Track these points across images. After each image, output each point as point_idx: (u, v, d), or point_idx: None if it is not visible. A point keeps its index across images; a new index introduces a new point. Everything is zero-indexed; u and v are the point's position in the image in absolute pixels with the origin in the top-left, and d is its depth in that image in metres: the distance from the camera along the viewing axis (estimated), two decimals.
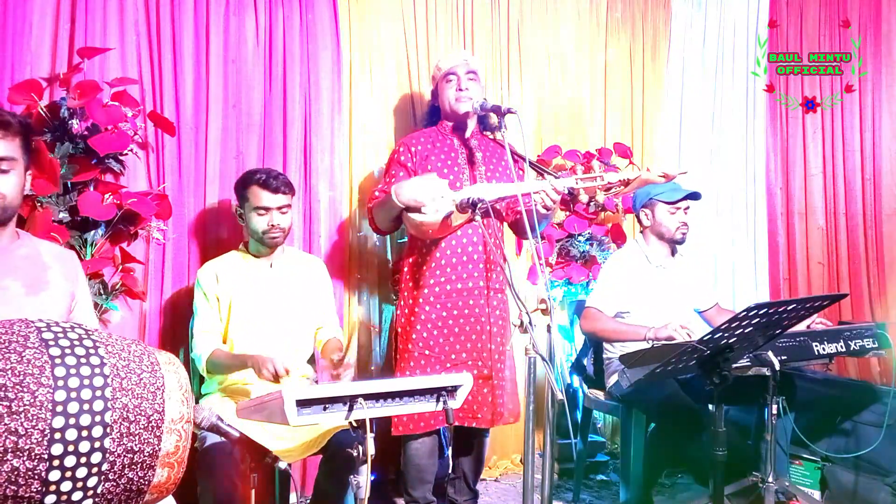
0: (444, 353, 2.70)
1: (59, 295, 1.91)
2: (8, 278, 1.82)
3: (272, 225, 2.56)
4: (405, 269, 2.82)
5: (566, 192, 2.59)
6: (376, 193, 2.78)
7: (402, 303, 2.82)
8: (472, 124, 2.81)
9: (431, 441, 2.76)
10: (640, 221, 3.19)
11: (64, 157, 2.52)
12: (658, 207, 3.09)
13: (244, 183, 2.60)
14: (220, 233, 3.00)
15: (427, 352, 2.70)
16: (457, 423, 2.72)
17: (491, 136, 2.88)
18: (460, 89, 2.75)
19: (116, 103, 2.60)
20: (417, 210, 2.52)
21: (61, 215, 2.52)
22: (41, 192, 2.41)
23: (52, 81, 2.63)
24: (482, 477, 3.45)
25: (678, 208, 3.08)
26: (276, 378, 2.25)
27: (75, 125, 2.52)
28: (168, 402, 1.29)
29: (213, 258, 2.69)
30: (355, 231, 3.30)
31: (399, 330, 2.81)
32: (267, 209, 2.55)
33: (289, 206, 2.60)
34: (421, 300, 2.73)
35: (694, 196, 3.12)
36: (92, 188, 2.57)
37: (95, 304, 2.53)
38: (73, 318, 1.97)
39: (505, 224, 2.93)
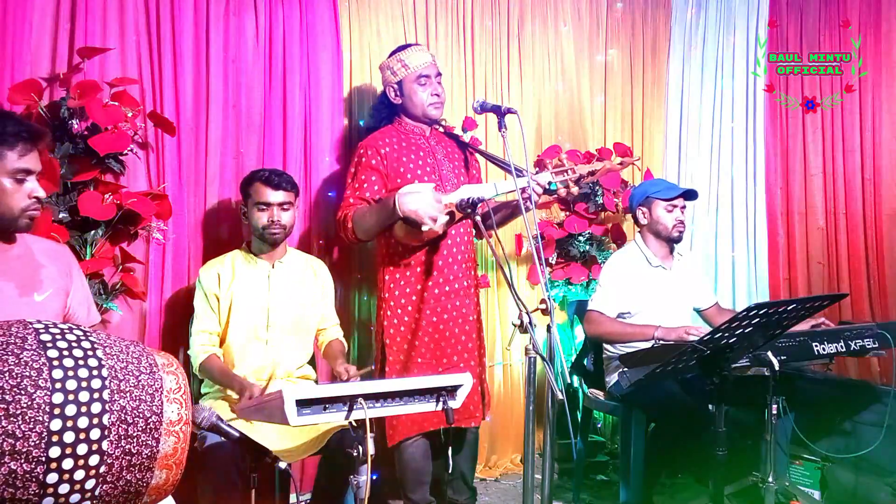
0: (435, 357, 2.70)
1: (53, 294, 1.90)
2: (0, 280, 1.81)
3: (272, 220, 2.56)
4: (386, 277, 2.74)
5: (548, 186, 2.61)
6: (351, 201, 2.69)
7: (388, 312, 2.72)
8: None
9: (425, 442, 2.76)
10: (636, 221, 3.19)
11: (64, 157, 2.51)
12: (655, 205, 3.09)
13: (249, 180, 2.63)
14: (220, 233, 3.00)
15: (420, 360, 2.68)
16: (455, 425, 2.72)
17: (441, 130, 2.91)
18: (436, 94, 2.76)
19: (116, 103, 2.60)
20: (419, 222, 2.50)
21: (61, 215, 2.52)
22: None
23: (52, 81, 2.63)
24: (482, 477, 3.46)
25: (675, 206, 3.08)
26: None
27: (75, 125, 2.52)
28: (166, 404, 1.29)
29: (215, 257, 2.69)
30: None
31: (388, 341, 2.72)
32: (268, 205, 2.56)
33: (291, 203, 2.60)
34: (410, 308, 2.70)
35: (690, 193, 3.12)
36: (92, 188, 2.57)
37: (95, 305, 2.53)
38: (69, 313, 1.97)
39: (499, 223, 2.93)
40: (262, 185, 2.57)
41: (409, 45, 2.85)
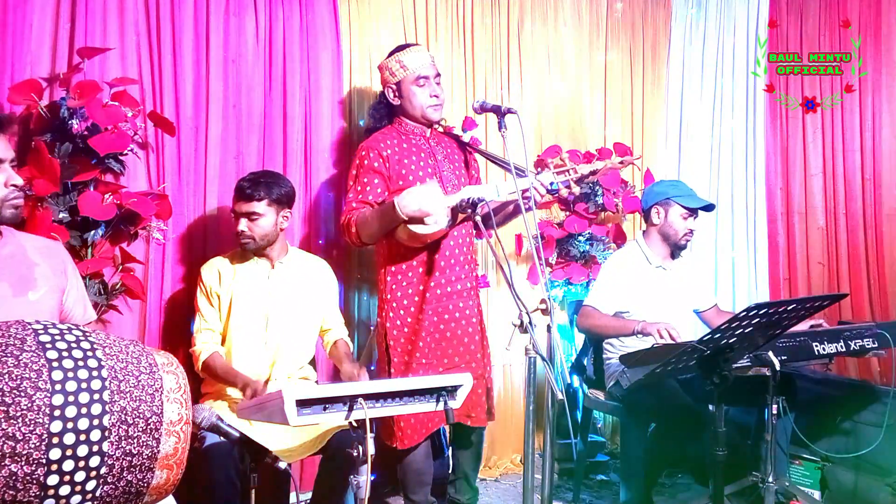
0: (436, 357, 2.68)
1: (47, 292, 1.87)
2: None
3: (239, 230, 2.55)
4: (388, 278, 2.70)
5: (550, 186, 2.60)
6: (354, 205, 2.62)
7: (390, 314, 2.68)
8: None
9: (427, 443, 2.75)
10: (646, 219, 3.17)
11: (64, 157, 2.51)
12: (673, 209, 3.07)
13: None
14: (220, 233, 2.99)
15: (424, 360, 2.65)
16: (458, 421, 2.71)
17: (441, 130, 2.89)
18: (435, 95, 2.70)
19: (116, 103, 2.60)
20: (422, 221, 2.47)
21: (61, 215, 2.52)
22: (41, 192, 2.41)
23: (52, 81, 2.63)
24: (482, 477, 3.46)
25: (691, 215, 3.08)
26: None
27: (75, 125, 2.52)
28: (166, 404, 1.29)
29: (217, 256, 2.69)
30: None
31: (392, 343, 2.68)
32: (237, 214, 2.56)
33: (259, 214, 2.53)
34: (413, 308, 2.68)
35: (710, 208, 3.13)
36: (92, 188, 2.57)
37: (95, 305, 2.53)
38: (65, 311, 1.95)
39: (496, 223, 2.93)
40: (236, 191, 2.56)
41: (408, 46, 2.78)
